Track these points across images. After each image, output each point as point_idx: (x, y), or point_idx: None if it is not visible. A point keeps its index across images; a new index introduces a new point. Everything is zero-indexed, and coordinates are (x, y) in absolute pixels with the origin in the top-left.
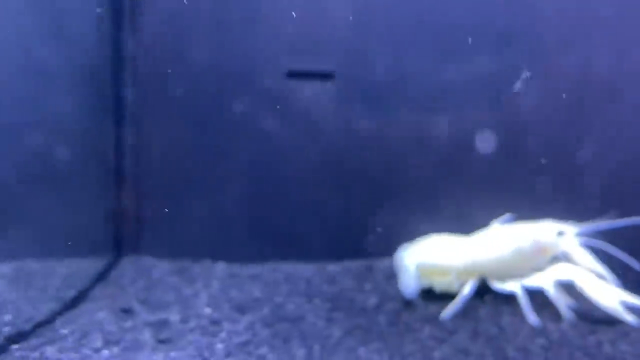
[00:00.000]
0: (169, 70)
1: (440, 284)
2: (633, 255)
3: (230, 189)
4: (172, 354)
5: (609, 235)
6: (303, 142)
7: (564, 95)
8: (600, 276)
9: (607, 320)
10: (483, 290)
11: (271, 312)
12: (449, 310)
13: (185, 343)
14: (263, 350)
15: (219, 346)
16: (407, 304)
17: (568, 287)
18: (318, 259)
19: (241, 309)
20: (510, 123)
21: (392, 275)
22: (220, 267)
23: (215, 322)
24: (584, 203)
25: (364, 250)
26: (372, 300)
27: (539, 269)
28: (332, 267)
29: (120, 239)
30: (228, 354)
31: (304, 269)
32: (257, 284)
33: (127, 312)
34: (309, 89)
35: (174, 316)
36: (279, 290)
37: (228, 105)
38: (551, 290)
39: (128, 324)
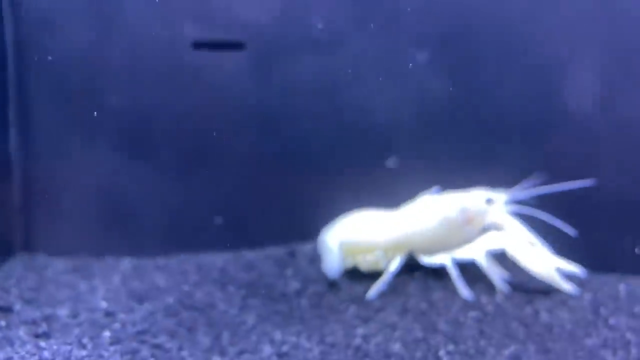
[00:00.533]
0: (50, 58)
1: (365, 262)
2: (564, 222)
3: (132, 180)
4: (43, 344)
5: (540, 202)
6: (215, 127)
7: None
8: (533, 244)
9: (544, 290)
10: (413, 267)
11: (176, 301)
12: (375, 288)
13: (67, 336)
14: (161, 339)
15: (106, 335)
16: (332, 285)
17: (501, 258)
18: (235, 247)
19: (140, 299)
20: (429, 96)
21: (316, 259)
22: (125, 262)
23: (109, 314)
24: (512, 172)
25: (285, 235)
26: (294, 285)
27: (469, 241)
28: (250, 255)
29: (8, 237)
30: (115, 343)
31: (218, 258)
32: (162, 275)
33: (4, 311)
34: (217, 61)
35: (62, 312)
36: (187, 280)
37: (123, 89)
38: (483, 262)
39: (1, 323)
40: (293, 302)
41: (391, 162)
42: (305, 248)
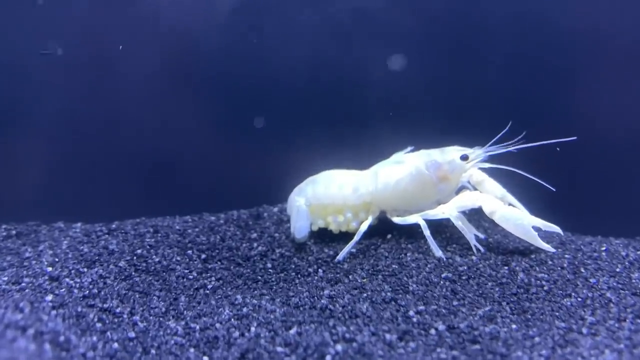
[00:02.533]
0: None
1: (335, 223)
2: (541, 179)
3: (84, 145)
4: None
5: (518, 160)
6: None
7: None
8: (511, 203)
9: (522, 250)
10: (386, 228)
11: (129, 265)
12: (345, 250)
13: (2, 301)
14: (111, 303)
15: (47, 299)
16: (299, 248)
17: (477, 217)
18: (197, 211)
19: (90, 264)
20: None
21: (283, 222)
22: (75, 228)
23: (53, 279)
24: (491, 131)
25: (251, 199)
26: (258, 249)
27: (443, 199)
28: (213, 218)
29: None
30: (58, 307)
31: (178, 221)
32: (115, 239)
33: None
34: None
35: (1, 278)
36: (142, 243)
37: None
38: (458, 221)
39: None
40: (257, 265)
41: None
42: (272, 210)
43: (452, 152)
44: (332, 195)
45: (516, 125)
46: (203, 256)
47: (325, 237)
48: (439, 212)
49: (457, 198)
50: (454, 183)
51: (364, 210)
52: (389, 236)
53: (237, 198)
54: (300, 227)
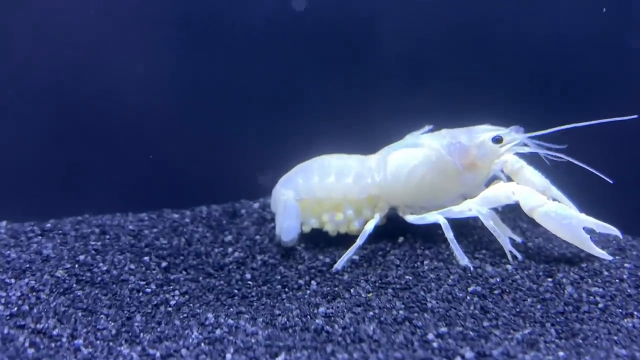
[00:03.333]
0: None
1: (332, 223)
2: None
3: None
4: None
5: (564, 145)
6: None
7: None
8: (556, 198)
9: (570, 257)
10: (396, 228)
11: (69, 275)
12: (345, 257)
13: None
14: (47, 323)
15: None
16: (287, 254)
17: (513, 216)
18: (156, 207)
19: (18, 273)
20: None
21: (265, 220)
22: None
23: None
24: (532, 106)
25: (226, 191)
26: (235, 255)
27: (471, 193)
28: (176, 216)
29: None
30: None
31: (132, 220)
32: (51, 242)
33: None
34: None
35: None
36: (86, 247)
37: None
38: (489, 221)
39: None
40: (233, 275)
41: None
42: (251, 206)
43: (482, 133)
44: (329, 187)
45: (565, 100)
46: (164, 264)
47: (319, 240)
48: (465, 209)
49: (488, 191)
50: (484, 172)
51: (369, 206)
52: (400, 239)
53: (207, 190)
54: (288, 228)
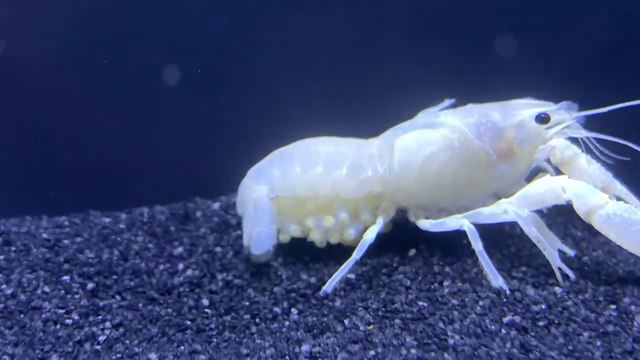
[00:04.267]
0: None
1: (319, 229)
2: None
3: None
4: None
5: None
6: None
7: None
8: (619, 197)
9: (638, 276)
10: (405, 237)
11: None
12: (337, 276)
13: None
14: None
15: None
16: (258, 272)
17: (563, 221)
18: (80, 208)
19: None
20: None
21: (229, 226)
22: None
23: None
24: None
25: (176, 187)
26: (188, 273)
27: (507, 192)
28: (108, 220)
29: None
30: None
31: (47, 225)
32: None
33: None
34: None
35: None
36: None
37: None
38: (531, 227)
39: None
40: (185, 301)
41: None
42: (209, 207)
43: (523, 110)
44: (315, 181)
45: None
46: (90, 286)
47: (302, 253)
48: (499, 212)
49: (530, 188)
50: (525, 162)
51: (369, 207)
52: (412, 252)
53: (149, 186)
54: (259, 237)
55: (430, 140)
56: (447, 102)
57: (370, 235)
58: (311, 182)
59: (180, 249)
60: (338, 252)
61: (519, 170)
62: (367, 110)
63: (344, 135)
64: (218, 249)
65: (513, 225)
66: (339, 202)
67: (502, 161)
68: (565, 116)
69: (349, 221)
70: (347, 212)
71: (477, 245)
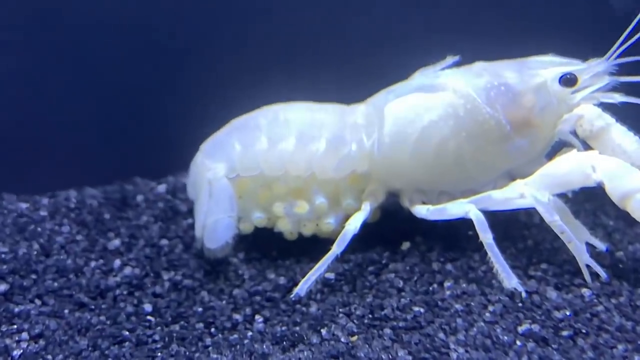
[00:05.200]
0: None
1: (290, 217)
2: None
3: None
4: None
5: None
6: None
7: None
8: None
9: None
10: (397, 227)
11: None
12: (313, 275)
13: None
14: None
15: None
16: (213, 270)
17: (592, 209)
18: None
19: None
20: None
21: (177, 213)
22: None
23: None
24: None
25: (110, 164)
26: (126, 272)
27: (524, 171)
28: (24, 205)
29: None
30: None
31: None
32: None
33: None
34: None
35: None
36: None
37: None
38: (553, 216)
39: None
40: (123, 307)
41: None
42: (152, 190)
43: (543, 70)
44: (285, 157)
45: None
46: (2, 287)
47: (269, 247)
48: (514, 196)
49: (552, 166)
50: (546, 134)
51: (353, 190)
52: (406, 246)
53: (77, 165)
54: (215, 226)
55: (430, 107)
56: (450, 59)
57: (353, 224)
58: (280, 159)
59: (116, 242)
60: (314, 246)
61: (538, 145)
62: (351, 68)
63: (321, 100)
64: (164, 241)
65: (531, 212)
66: (315, 184)
67: (518, 133)
68: (596, 78)
69: (327, 208)
70: (325, 196)
71: (486, 237)
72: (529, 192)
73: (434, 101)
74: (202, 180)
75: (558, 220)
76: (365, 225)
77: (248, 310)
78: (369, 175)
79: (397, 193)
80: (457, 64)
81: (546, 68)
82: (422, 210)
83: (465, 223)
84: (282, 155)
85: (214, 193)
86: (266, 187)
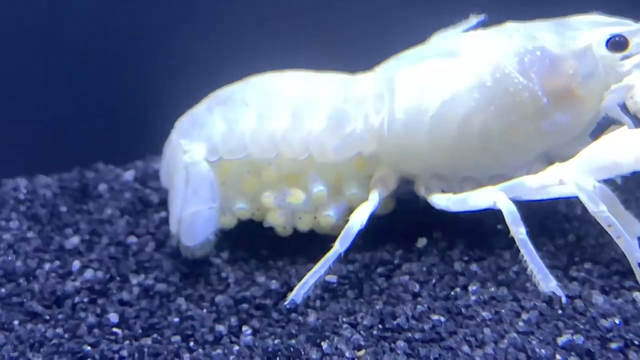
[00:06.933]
0: None
1: (282, 208)
2: None
3: None
4: None
5: None
6: None
7: None
8: None
9: None
10: (412, 220)
11: None
12: (311, 279)
13: None
14: None
15: None
16: (191, 272)
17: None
18: None
19: None
20: None
21: (148, 205)
22: None
23: None
24: None
25: (68, 148)
26: (87, 275)
27: (563, 153)
28: None
29: None
30: None
31: None
32: None
33: None
34: None
35: None
36: None
37: None
38: (599, 206)
39: None
40: (83, 317)
41: None
42: (117, 177)
43: (587, 31)
44: (276, 136)
45: None
46: None
47: (258, 244)
48: (552, 182)
49: (598, 148)
50: (590, 108)
51: (359, 176)
52: (422, 242)
53: (28, 148)
54: (194, 220)
55: (451, 76)
56: (474, 19)
57: (359, 218)
58: (271, 139)
59: (75, 240)
60: (311, 243)
61: (580, 121)
62: (356, 29)
63: (320, 68)
64: (132, 239)
65: (572, 202)
66: (312, 169)
67: (557, 107)
68: None
69: (327, 197)
70: (325, 183)
71: (519, 231)
72: (569, 178)
73: (455, 69)
74: (178, 164)
75: (605, 211)
76: (373, 219)
77: (234, 321)
78: (378, 158)
79: (411, 179)
80: (482, 25)
81: (590, 29)
82: (441, 200)
83: (493, 215)
84: (273, 135)
85: (191, 180)
86: (254, 173)
